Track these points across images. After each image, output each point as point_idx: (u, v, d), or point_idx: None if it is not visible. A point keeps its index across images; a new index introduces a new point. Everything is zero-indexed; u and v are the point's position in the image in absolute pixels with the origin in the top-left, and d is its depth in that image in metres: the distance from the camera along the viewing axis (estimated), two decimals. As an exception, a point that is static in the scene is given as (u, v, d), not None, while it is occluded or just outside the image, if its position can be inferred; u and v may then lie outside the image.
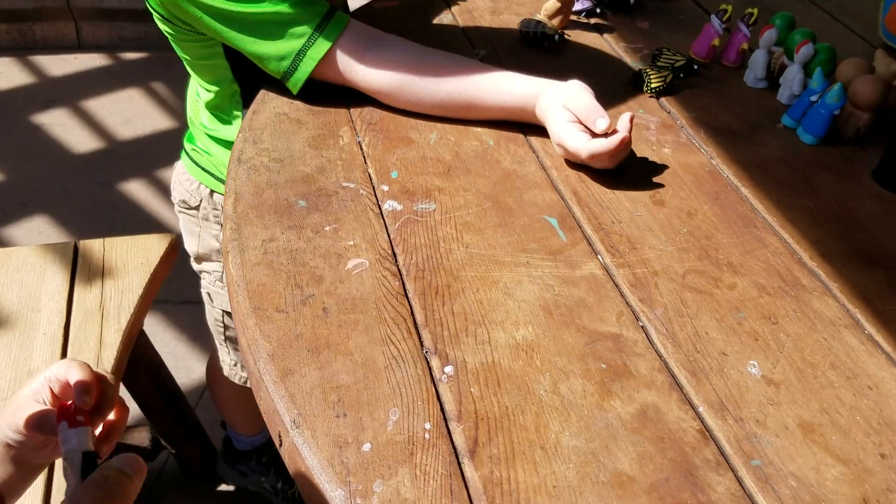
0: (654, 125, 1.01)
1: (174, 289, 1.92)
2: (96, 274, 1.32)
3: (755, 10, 1.13)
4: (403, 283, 0.74)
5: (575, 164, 0.92)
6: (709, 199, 0.89)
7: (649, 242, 0.82)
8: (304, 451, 0.58)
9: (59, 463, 1.16)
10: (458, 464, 0.59)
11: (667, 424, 0.63)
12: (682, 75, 1.09)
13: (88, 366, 0.64)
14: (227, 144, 1.10)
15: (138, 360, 1.38)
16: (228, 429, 1.55)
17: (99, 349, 1.20)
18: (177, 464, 1.62)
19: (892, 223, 0.89)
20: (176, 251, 1.37)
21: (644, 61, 1.14)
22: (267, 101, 0.97)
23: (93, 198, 2.24)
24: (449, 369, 0.66)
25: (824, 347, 0.72)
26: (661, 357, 0.69)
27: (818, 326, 0.74)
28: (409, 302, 0.72)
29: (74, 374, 0.62)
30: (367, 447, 0.59)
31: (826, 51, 1.06)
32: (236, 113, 1.07)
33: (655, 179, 0.91)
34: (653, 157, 0.95)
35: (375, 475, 0.57)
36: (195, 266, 1.28)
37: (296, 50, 0.91)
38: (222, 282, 1.22)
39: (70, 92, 2.64)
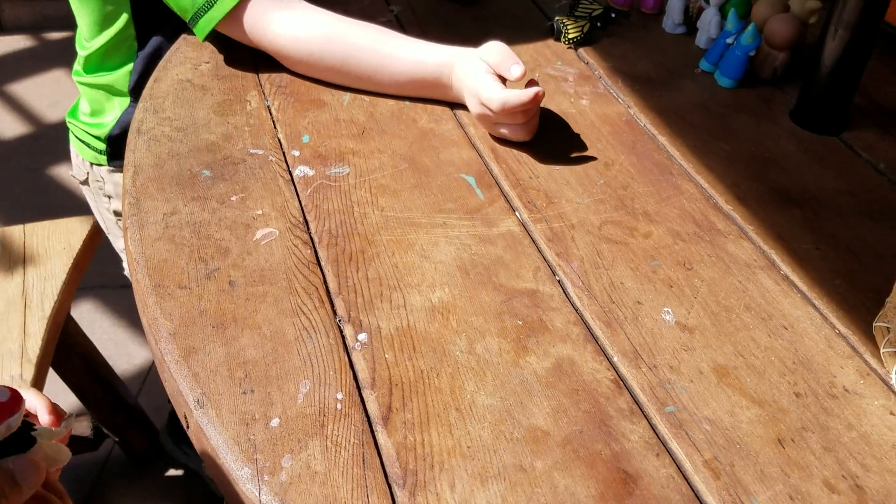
0: (571, 77, 1.00)
1: (111, 273, 1.87)
2: (17, 261, 1.28)
3: None
4: (316, 251, 0.72)
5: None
6: (625, 149, 0.88)
7: (566, 196, 0.81)
8: (209, 431, 0.56)
9: None
10: (372, 432, 0.57)
11: (581, 377, 0.63)
12: (599, 24, 1.08)
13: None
14: (109, 92, 1.09)
15: (70, 349, 1.34)
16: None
17: (23, 339, 1.16)
18: (121, 451, 1.59)
19: (809, 162, 0.89)
20: (100, 234, 1.33)
21: (562, 11, 1.12)
22: (169, 69, 0.93)
23: (22, 183, 2.17)
24: (363, 336, 0.64)
25: (739, 290, 0.72)
26: (576, 310, 0.69)
27: (733, 270, 0.74)
28: (321, 270, 0.70)
29: None
30: (275, 422, 0.57)
31: (740, -8, 1.05)
32: (125, 61, 1.06)
33: (573, 132, 0.90)
34: (571, 110, 0.94)
35: (284, 450, 0.56)
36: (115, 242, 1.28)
37: None
38: None
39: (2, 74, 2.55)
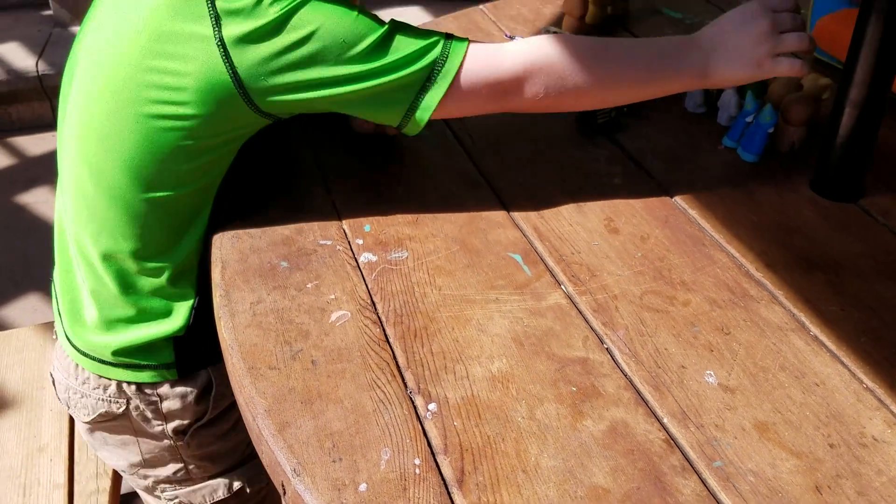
0: (603, 158, 1.08)
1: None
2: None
3: None
4: (384, 330, 0.80)
5: (532, 198, 0.98)
6: (659, 223, 0.96)
7: (607, 269, 0.89)
8: (307, 497, 0.64)
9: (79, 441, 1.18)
10: (448, 494, 0.64)
11: (635, 437, 0.70)
12: (625, 109, 1.17)
13: None
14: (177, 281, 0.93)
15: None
16: None
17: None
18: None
19: (829, 229, 0.96)
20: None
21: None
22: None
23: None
24: (432, 406, 0.72)
25: (774, 352, 0.79)
26: (625, 375, 0.76)
27: (767, 333, 0.81)
28: (390, 347, 0.78)
29: None
30: (363, 487, 0.65)
31: (757, 73, 1.14)
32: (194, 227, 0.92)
33: (608, 209, 0.98)
34: (604, 189, 1.02)
35: (373, 510, 0.63)
36: (139, 482, 1.07)
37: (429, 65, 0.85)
38: (191, 478, 1.06)
39: (52, 169, 2.70)
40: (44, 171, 2.69)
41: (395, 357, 0.77)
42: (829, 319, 0.83)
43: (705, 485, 0.66)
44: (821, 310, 0.84)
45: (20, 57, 2.86)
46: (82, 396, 1.00)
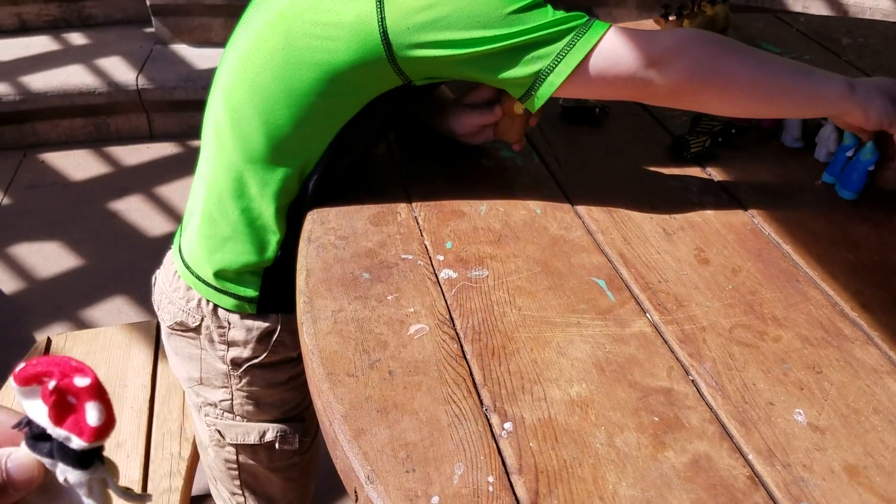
0: (695, 188, 1.06)
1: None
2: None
3: None
4: (462, 346, 0.79)
5: (618, 224, 0.97)
6: (751, 256, 0.93)
7: (696, 299, 0.86)
8: (378, 504, 0.63)
9: (156, 439, 1.22)
10: (521, 513, 0.63)
11: (718, 472, 0.67)
12: (720, 140, 1.15)
13: None
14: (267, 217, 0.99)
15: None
16: None
17: (182, 419, 1.28)
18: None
19: (933, 272, 0.91)
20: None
21: (683, 128, 1.20)
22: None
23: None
24: (508, 425, 0.71)
25: (867, 394, 0.75)
26: (711, 409, 0.73)
27: (861, 374, 0.77)
28: (467, 363, 0.77)
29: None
30: (435, 500, 0.64)
31: (859, 109, 1.10)
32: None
33: (699, 239, 0.96)
34: (696, 218, 1.00)
35: (444, 525, 0.62)
36: (192, 398, 1.14)
37: (562, 46, 0.88)
38: (233, 412, 1.11)
39: (144, 179, 2.81)
40: (136, 180, 2.80)
41: (471, 373, 0.76)
42: (931, 365, 0.78)
43: (792, 527, 0.62)
44: (921, 355, 0.79)
45: (121, 71, 2.99)
46: (170, 302, 1.09)
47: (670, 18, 1.38)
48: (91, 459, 0.43)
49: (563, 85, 0.89)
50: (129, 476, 1.17)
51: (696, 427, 0.71)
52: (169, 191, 2.75)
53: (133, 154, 2.96)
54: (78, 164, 2.90)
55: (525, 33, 0.86)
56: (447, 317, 0.83)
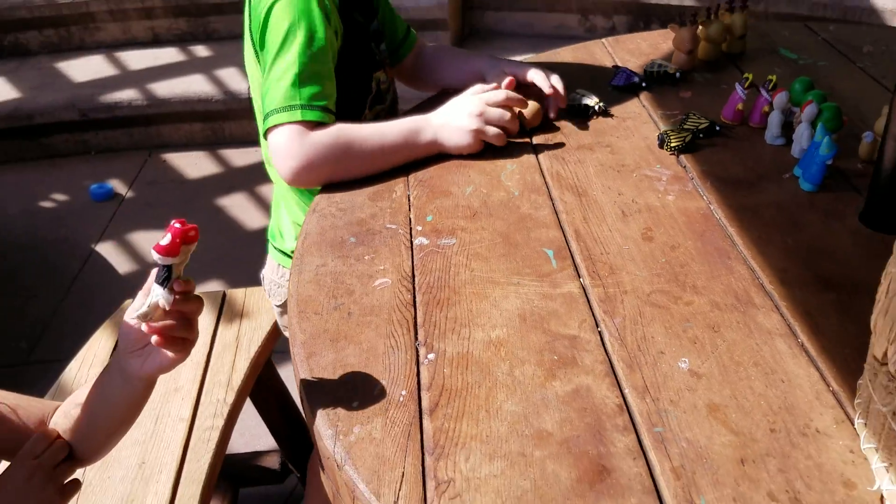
0: (665, 177, 1.17)
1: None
2: (236, 315, 1.63)
3: (773, 77, 1.27)
4: (414, 297, 0.95)
5: (586, 207, 1.10)
6: (694, 236, 1.04)
7: (628, 269, 0.99)
8: (313, 402, 0.80)
9: (207, 387, 1.46)
10: (420, 418, 0.78)
11: (593, 399, 0.80)
12: (701, 136, 1.25)
13: None
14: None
15: (267, 388, 1.66)
16: None
17: (231, 372, 1.49)
18: (302, 488, 1.87)
19: (861, 256, 0.99)
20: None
21: (673, 125, 1.31)
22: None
23: (251, 256, 2.63)
24: (431, 356, 0.86)
25: (754, 350, 0.85)
26: (606, 353, 0.86)
27: (755, 335, 0.87)
28: (415, 309, 0.93)
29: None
30: (355, 404, 0.80)
31: (830, 109, 1.18)
32: None
33: (651, 220, 1.08)
34: (655, 203, 1.11)
35: (356, 422, 0.78)
36: None
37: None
38: None
39: (249, 179, 3.10)
40: (243, 179, 3.09)
41: (415, 317, 0.92)
42: (822, 331, 0.87)
43: (640, 443, 0.75)
44: (817, 322, 0.89)
45: (236, 80, 3.31)
46: (278, 287, 1.39)
47: (688, 25, 1.48)
48: (167, 280, 0.77)
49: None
50: (181, 415, 1.39)
51: (588, 366, 0.84)
52: (268, 189, 3.03)
53: (242, 156, 3.27)
54: (194, 164, 3.24)
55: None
56: (409, 274, 0.99)
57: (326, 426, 0.78)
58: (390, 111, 1.42)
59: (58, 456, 0.89)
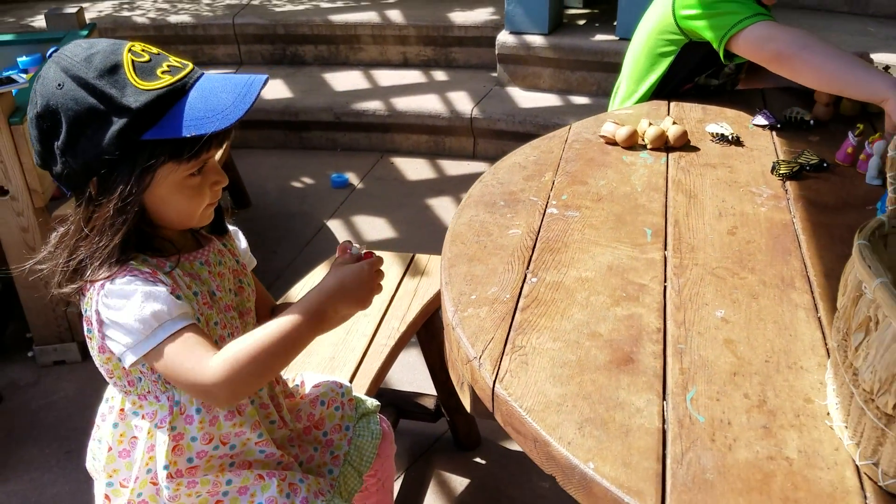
0: (765, 195, 1.43)
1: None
2: (417, 273, 2.05)
3: (861, 126, 1.49)
4: (535, 243, 1.30)
5: (694, 205, 1.38)
6: (770, 237, 1.30)
7: (706, 250, 1.27)
8: (445, 293, 1.17)
9: (387, 318, 1.83)
10: (514, 311, 1.13)
11: (640, 322, 1.10)
12: (809, 169, 1.49)
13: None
14: None
15: (433, 336, 2.06)
16: None
17: (406, 310, 1.90)
18: (450, 432, 2.24)
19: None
20: (470, 269, 2.04)
21: (788, 157, 1.55)
22: (511, 157, 1.61)
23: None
24: (534, 279, 1.20)
25: (778, 314, 1.11)
26: (664, 297, 1.15)
27: (784, 304, 1.13)
28: (532, 252, 1.27)
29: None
30: (473, 297, 1.16)
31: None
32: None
33: (740, 222, 1.34)
34: (749, 211, 1.38)
35: (470, 306, 1.14)
36: None
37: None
38: None
39: (457, 187, 3.57)
40: (451, 187, 3.56)
41: (531, 256, 1.26)
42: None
43: (664, 351, 1.04)
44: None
45: (462, 102, 3.81)
46: None
47: None
48: None
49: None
50: (364, 331, 1.81)
51: (646, 303, 1.14)
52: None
53: (456, 167, 3.75)
54: (415, 169, 3.77)
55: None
56: (536, 230, 1.34)
57: (451, 305, 1.15)
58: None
59: (378, 265, 1.20)
